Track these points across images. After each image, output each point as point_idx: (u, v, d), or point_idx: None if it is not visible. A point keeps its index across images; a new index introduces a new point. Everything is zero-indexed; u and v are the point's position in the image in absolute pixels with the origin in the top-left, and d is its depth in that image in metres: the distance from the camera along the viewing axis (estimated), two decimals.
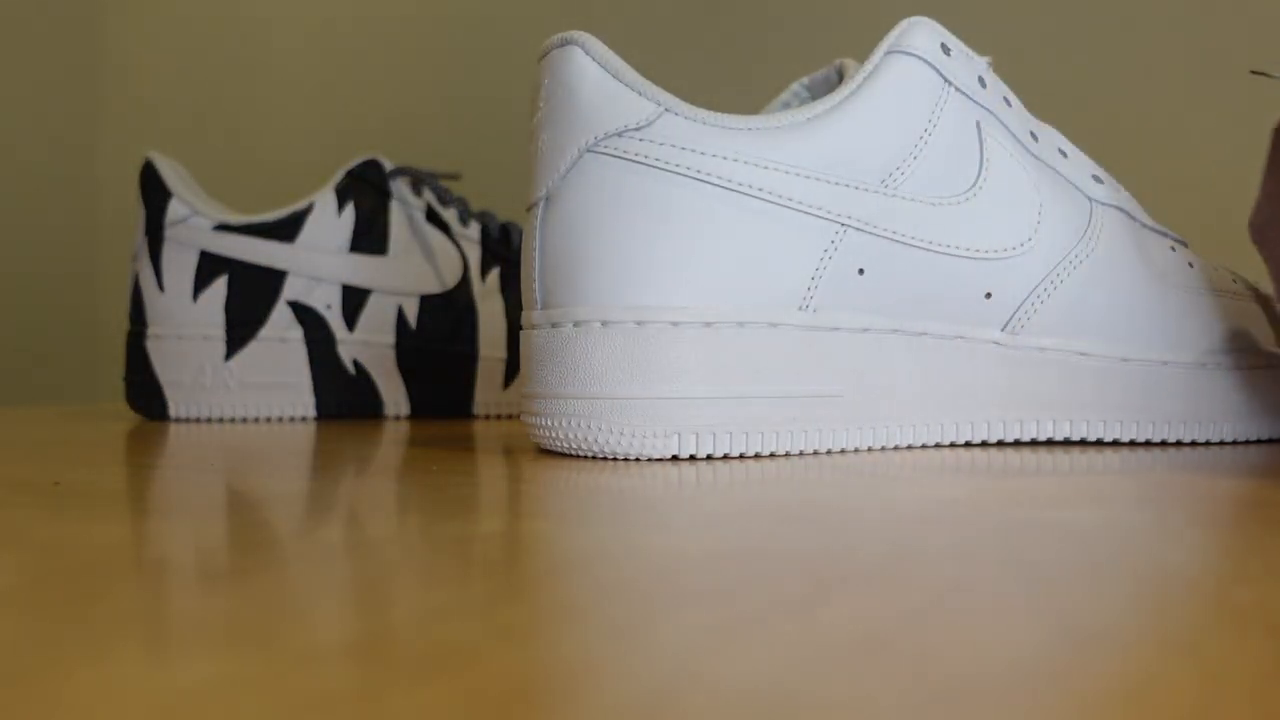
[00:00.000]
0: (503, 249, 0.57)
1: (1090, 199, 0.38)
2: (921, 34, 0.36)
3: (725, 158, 0.33)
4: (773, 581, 0.15)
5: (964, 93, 0.36)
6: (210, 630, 0.13)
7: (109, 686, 0.11)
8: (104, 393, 1.09)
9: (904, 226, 0.35)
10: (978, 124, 0.36)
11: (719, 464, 0.32)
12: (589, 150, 0.33)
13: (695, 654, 0.12)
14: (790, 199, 0.33)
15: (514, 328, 0.56)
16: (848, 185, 0.34)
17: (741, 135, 0.33)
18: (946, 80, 0.36)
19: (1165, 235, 0.40)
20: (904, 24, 0.36)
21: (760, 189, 0.33)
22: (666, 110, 0.33)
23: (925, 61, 0.35)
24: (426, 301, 0.55)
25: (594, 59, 0.33)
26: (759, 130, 0.34)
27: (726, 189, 0.33)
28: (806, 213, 0.34)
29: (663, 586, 0.15)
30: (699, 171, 0.33)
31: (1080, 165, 0.39)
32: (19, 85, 1.04)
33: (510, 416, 0.56)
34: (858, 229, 0.34)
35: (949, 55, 0.36)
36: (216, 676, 0.11)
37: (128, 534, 0.19)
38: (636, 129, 0.33)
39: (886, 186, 0.35)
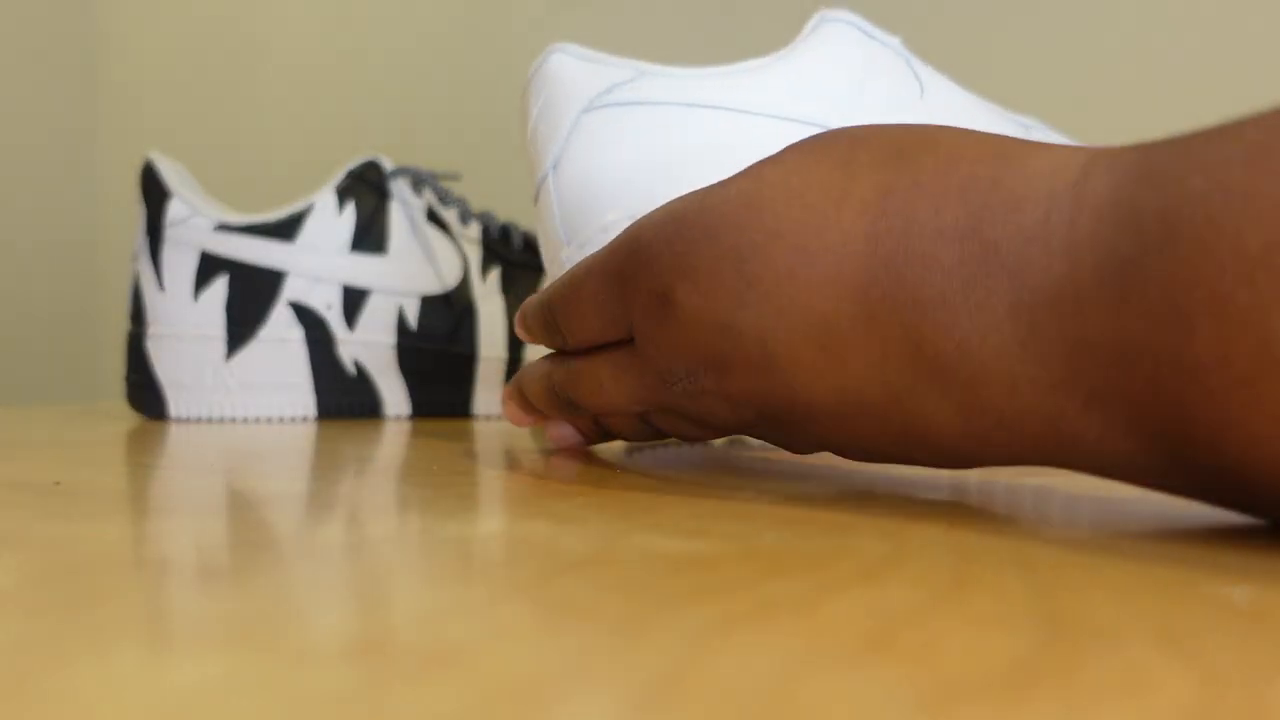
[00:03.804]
0: (503, 249, 0.57)
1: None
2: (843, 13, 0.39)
3: (700, 104, 0.37)
4: (773, 581, 0.15)
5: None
6: (210, 630, 0.13)
7: (109, 686, 0.11)
8: (104, 393, 1.09)
9: None
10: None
11: (718, 464, 0.31)
12: (584, 113, 0.36)
13: (695, 654, 0.12)
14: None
15: (514, 327, 0.56)
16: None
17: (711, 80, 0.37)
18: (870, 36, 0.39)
19: None
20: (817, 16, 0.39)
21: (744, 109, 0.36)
22: (643, 73, 0.37)
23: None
24: (426, 301, 0.55)
25: (572, 55, 0.37)
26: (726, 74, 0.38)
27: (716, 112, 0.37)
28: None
29: (663, 586, 0.15)
30: (688, 103, 0.36)
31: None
32: (19, 85, 1.04)
33: None
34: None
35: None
36: (217, 676, 0.11)
37: (128, 534, 0.19)
38: (624, 83, 0.37)
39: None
